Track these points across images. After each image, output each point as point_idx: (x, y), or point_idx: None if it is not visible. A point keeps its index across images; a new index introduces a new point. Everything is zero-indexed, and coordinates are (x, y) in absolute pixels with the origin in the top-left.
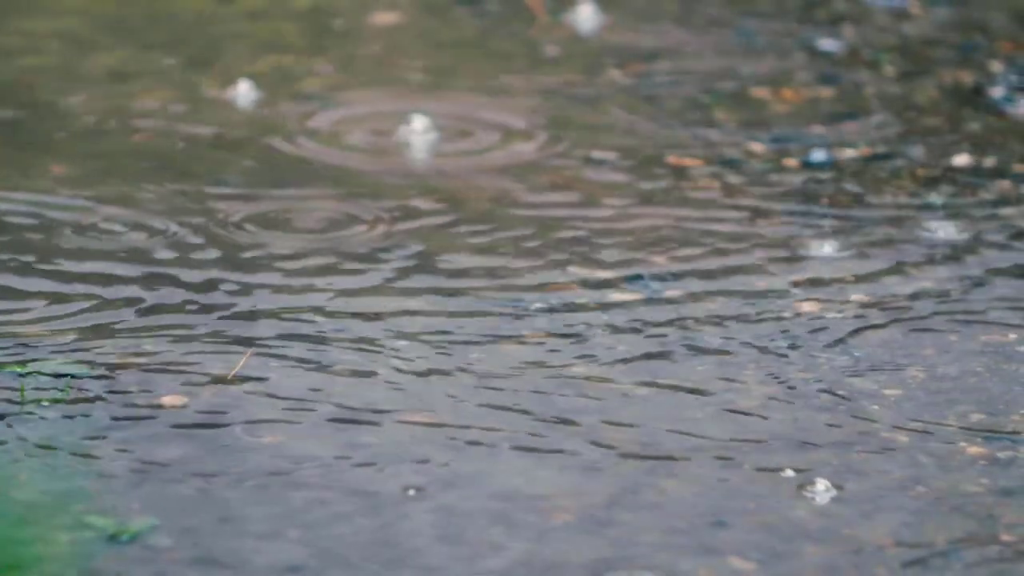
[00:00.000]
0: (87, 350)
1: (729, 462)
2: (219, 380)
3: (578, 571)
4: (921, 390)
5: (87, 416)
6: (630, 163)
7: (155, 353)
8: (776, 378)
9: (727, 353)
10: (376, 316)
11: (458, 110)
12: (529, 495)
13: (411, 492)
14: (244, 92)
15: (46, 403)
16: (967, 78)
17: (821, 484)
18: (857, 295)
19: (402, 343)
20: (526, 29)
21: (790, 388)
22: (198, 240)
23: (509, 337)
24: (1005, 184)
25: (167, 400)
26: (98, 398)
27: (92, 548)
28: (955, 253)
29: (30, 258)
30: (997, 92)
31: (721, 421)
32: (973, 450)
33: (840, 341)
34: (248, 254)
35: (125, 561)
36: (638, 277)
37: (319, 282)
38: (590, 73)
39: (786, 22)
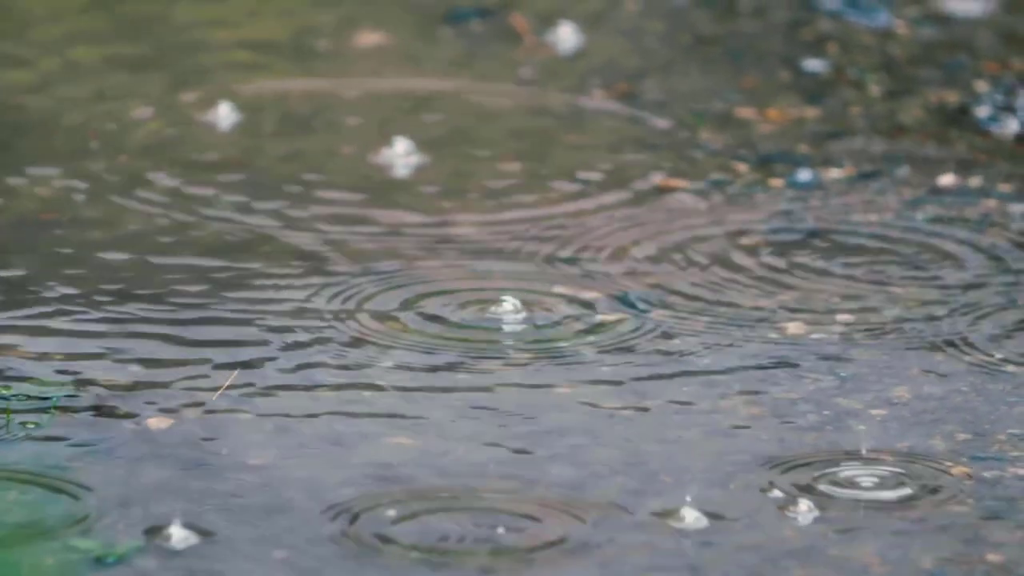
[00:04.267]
0: (72, 372)
1: (714, 482)
2: (204, 401)
3: None
4: (907, 410)
5: (72, 438)
6: (615, 183)
7: (140, 374)
8: (762, 398)
9: (713, 373)
10: (362, 336)
11: (441, 132)
12: (515, 515)
13: (392, 513)
14: (225, 114)
15: (31, 424)
16: (952, 98)
17: (804, 504)
18: (843, 315)
19: (388, 363)
20: (512, 50)
21: (776, 408)
22: (183, 261)
23: (495, 357)
24: (990, 203)
25: (152, 422)
26: (83, 420)
27: (78, 570)
28: (940, 273)
29: (14, 279)
30: (983, 112)
31: (707, 441)
32: (959, 470)
33: (826, 361)
34: (233, 275)
35: None
36: (624, 297)
37: (305, 302)
38: (575, 93)
39: (771, 42)
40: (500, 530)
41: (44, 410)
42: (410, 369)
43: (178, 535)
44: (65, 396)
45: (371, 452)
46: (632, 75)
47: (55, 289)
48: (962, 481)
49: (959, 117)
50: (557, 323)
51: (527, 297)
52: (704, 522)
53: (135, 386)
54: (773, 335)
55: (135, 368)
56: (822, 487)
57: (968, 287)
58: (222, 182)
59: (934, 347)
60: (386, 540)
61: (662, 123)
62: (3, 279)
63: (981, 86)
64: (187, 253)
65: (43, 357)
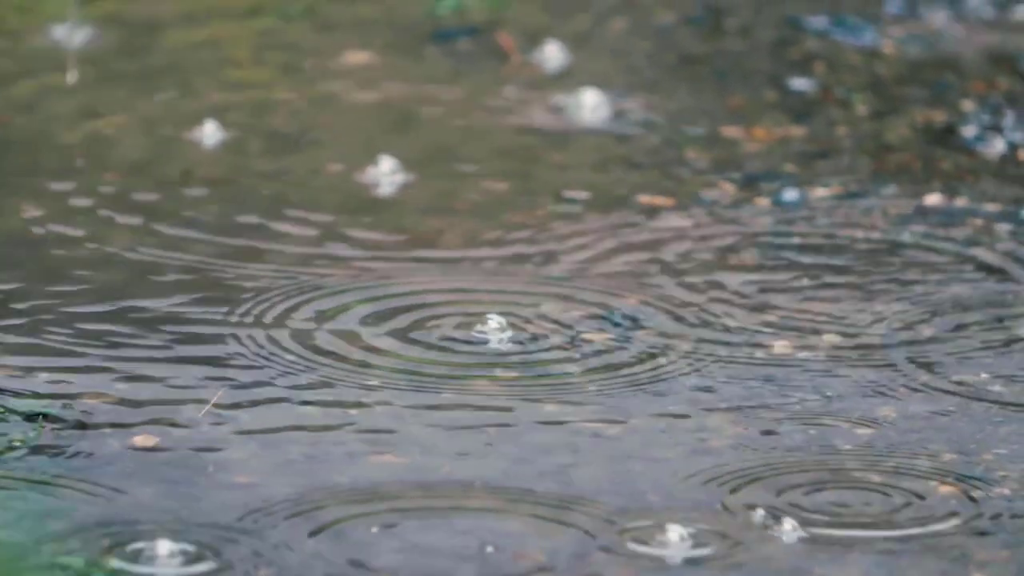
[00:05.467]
0: (58, 389)
1: (700, 502)
2: (191, 419)
3: None
4: (893, 429)
5: (59, 456)
6: (601, 202)
7: (126, 392)
8: (747, 417)
9: (699, 391)
10: (348, 354)
11: (427, 150)
12: (499, 535)
13: (374, 530)
14: (210, 132)
15: (18, 443)
16: (939, 117)
17: (789, 523)
18: (829, 334)
19: (374, 382)
20: (498, 68)
21: (762, 427)
22: (169, 279)
23: (480, 376)
24: (977, 223)
25: (139, 440)
26: (69, 437)
27: None
28: (927, 292)
29: (1, 295)
30: (969, 131)
31: (692, 459)
32: (945, 489)
33: (812, 380)
34: (219, 293)
35: None
36: (609, 316)
37: (291, 319)
38: (561, 111)
39: (757, 61)
40: (489, 549)
41: (31, 428)
42: (396, 387)
43: (163, 552)
44: (51, 413)
45: (357, 470)
46: (618, 93)
47: (42, 306)
48: (948, 500)
49: (945, 136)
50: (542, 341)
51: (512, 315)
52: (689, 541)
53: (121, 404)
54: (759, 353)
55: (121, 385)
56: (807, 506)
57: (955, 306)
58: (207, 200)
59: (920, 366)
60: (372, 558)
61: (648, 142)
62: None
63: (967, 105)
64: (173, 271)
65: (29, 374)
